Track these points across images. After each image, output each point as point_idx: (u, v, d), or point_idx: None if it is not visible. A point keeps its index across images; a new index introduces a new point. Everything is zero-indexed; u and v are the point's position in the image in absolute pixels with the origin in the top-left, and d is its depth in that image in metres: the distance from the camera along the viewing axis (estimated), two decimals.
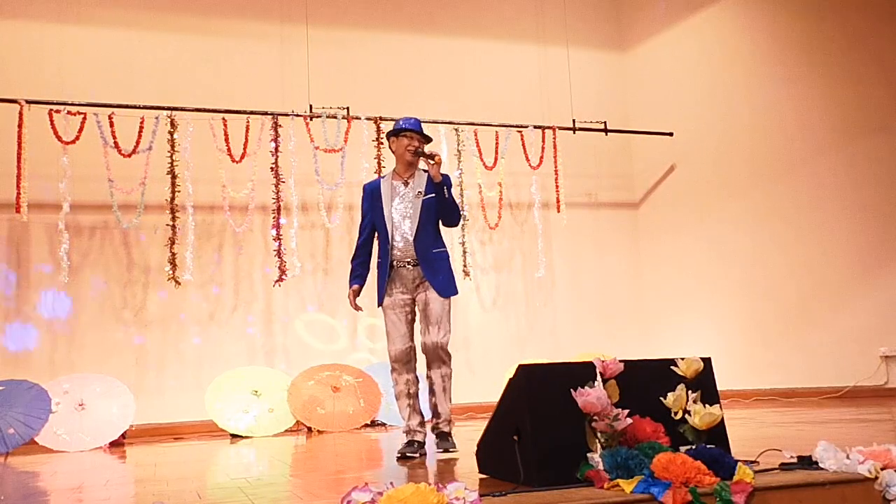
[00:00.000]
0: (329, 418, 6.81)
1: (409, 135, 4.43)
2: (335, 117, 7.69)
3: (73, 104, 6.97)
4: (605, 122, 8.80)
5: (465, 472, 3.09)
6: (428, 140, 4.53)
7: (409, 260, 4.33)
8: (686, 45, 8.88)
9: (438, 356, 4.37)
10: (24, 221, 6.91)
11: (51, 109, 6.88)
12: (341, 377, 7.17)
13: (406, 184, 4.42)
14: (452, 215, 4.40)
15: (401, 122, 4.49)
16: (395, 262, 4.34)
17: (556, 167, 8.46)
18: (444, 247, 4.46)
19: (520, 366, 2.76)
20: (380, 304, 4.42)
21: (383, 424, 7.09)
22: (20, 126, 6.77)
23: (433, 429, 4.46)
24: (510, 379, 2.80)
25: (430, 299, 4.32)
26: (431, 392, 4.45)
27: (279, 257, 7.36)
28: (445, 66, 8.77)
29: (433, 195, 4.34)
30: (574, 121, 8.68)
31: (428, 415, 4.46)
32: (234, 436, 6.66)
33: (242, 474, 3.91)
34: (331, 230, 7.93)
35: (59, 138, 6.85)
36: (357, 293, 4.51)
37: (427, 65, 8.70)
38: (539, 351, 8.36)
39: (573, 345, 8.47)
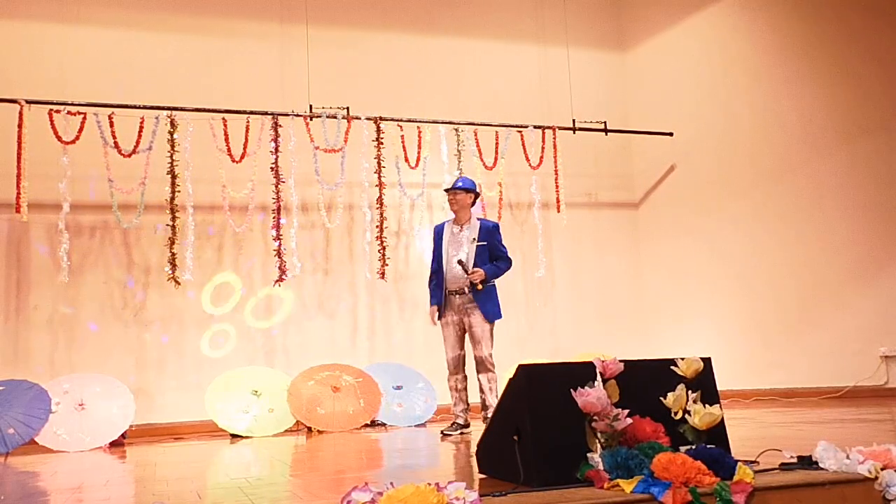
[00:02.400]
0: (329, 418, 6.81)
1: (449, 194, 5.79)
2: (335, 117, 7.69)
3: (73, 104, 6.97)
4: (605, 122, 8.81)
5: (466, 473, 3.09)
6: (465, 190, 5.79)
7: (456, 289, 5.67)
8: (686, 45, 8.88)
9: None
10: (24, 221, 6.91)
11: (51, 109, 6.88)
12: (341, 377, 7.17)
13: (461, 230, 5.76)
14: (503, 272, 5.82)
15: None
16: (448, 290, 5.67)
17: (556, 167, 8.46)
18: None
19: (520, 366, 2.76)
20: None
21: (383, 424, 7.09)
22: (20, 126, 6.77)
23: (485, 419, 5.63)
24: (510, 379, 2.80)
25: (475, 323, 5.64)
26: (482, 390, 5.73)
27: (279, 257, 7.36)
28: (445, 66, 8.77)
29: (484, 242, 5.68)
30: (574, 121, 8.68)
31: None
32: (234, 436, 6.66)
33: (242, 474, 3.91)
34: (331, 230, 7.93)
35: (59, 138, 6.85)
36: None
37: (427, 65, 8.70)
38: (539, 351, 8.36)
39: (573, 345, 8.47)
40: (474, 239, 5.62)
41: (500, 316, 5.73)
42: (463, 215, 5.73)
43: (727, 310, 8.26)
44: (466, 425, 5.74)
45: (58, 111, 6.90)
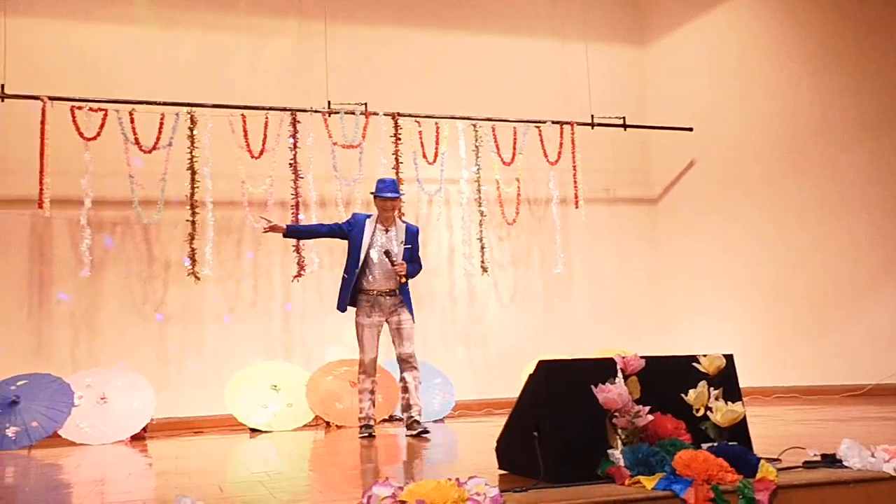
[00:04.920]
0: (347, 413, 6.83)
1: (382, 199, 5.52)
2: (353, 113, 7.71)
3: (94, 101, 7.02)
4: (623, 118, 8.76)
5: (485, 468, 3.08)
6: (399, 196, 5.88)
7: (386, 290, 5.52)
8: (706, 39, 8.81)
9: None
10: (47, 217, 6.99)
11: (73, 106, 6.95)
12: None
13: (386, 231, 5.55)
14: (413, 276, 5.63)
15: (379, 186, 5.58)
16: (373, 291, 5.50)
17: (574, 163, 8.43)
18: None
19: (540, 362, 2.76)
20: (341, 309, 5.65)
21: (401, 420, 7.09)
22: (43, 122, 6.84)
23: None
24: (530, 375, 2.79)
25: (403, 321, 5.56)
26: (405, 390, 5.67)
27: (297, 253, 7.39)
28: (463, 61, 8.76)
29: (409, 245, 5.55)
30: (592, 116, 8.65)
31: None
32: (253, 430, 6.70)
33: (262, 468, 3.93)
34: None
35: (80, 135, 6.92)
36: (276, 228, 5.57)
37: (445, 60, 8.69)
38: (557, 347, 8.34)
39: (591, 341, 8.44)
40: (402, 241, 5.53)
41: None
42: (391, 220, 5.59)
43: (747, 306, 8.20)
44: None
45: (80, 108, 6.96)
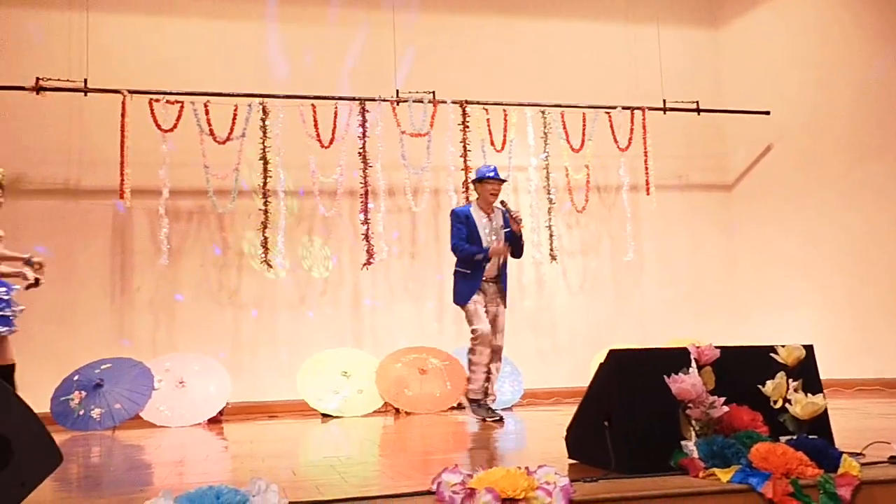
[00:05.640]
0: (416, 400, 6.89)
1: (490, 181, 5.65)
2: (421, 101, 7.73)
3: (171, 94, 7.23)
4: (696, 102, 8.54)
5: (555, 457, 3.07)
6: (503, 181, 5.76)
7: (492, 278, 5.66)
8: (783, 18, 8.50)
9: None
10: (128, 207, 7.24)
11: (151, 99, 7.17)
12: (428, 360, 7.23)
13: (488, 217, 5.67)
14: (521, 251, 5.76)
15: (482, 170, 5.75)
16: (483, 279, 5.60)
17: (645, 149, 8.28)
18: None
19: (611, 351, 2.72)
20: (462, 303, 5.66)
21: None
22: (123, 116, 7.08)
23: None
24: (601, 364, 2.76)
25: (500, 312, 5.71)
26: (487, 379, 5.71)
27: (367, 241, 7.47)
28: (531, 47, 8.67)
29: (508, 229, 5.62)
30: (664, 101, 8.46)
31: None
32: (324, 415, 6.82)
33: (334, 453, 4.00)
34: (417, 214, 7.99)
35: (158, 127, 7.14)
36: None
37: (513, 47, 8.62)
38: (627, 336, 8.23)
39: (662, 331, 8.29)
40: (501, 226, 5.66)
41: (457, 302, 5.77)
42: (493, 202, 5.72)
43: (827, 295, 7.91)
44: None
45: (157, 101, 7.18)
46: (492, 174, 5.66)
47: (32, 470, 2.41)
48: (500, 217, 5.69)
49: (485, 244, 5.57)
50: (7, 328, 4.96)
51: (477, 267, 5.60)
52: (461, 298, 5.65)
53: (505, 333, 5.73)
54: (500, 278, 5.70)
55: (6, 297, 4.96)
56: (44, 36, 7.54)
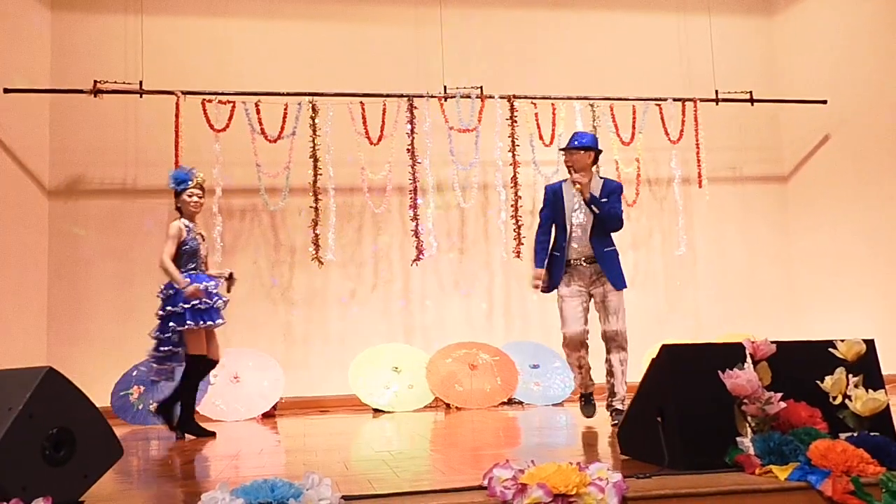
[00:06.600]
0: (466, 395, 6.90)
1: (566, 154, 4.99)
2: (469, 97, 7.72)
3: (223, 94, 7.36)
4: (750, 92, 8.35)
5: (607, 453, 3.04)
6: (588, 149, 4.94)
7: (585, 257, 4.83)
8: (839, 4, 8.25)
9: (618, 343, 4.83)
10: None
11: (203, 99, 7.30)
12: (478, 355, 7.24)
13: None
14: (608, 224, 4.85)
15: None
16: (572, 259, 4.84)
17: (697, 140, 8.13)
18: (614, 245, 4.90)
19: (664, 346, 2.69)
20: (552, 289, 4.91)
21: (520, 403, 7.11)
22: (177, 116, 7.23)
23: (608, 406, 4.78)
24: (653, 359, 2.73)
25: (608, 291, 4.80)
26: (610, 374, 4.81)
27: (416, 237, 7.50)
28: (579, 40, 8.58)
29: (605, 200, 4.82)
30: (717, 91, 8.29)
31: None
32: (376, 410, 6.88)
33: (385, 448, 4.03)
34: (466, 210, 7.99)
35: (211, 126, 7.27)
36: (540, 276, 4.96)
37: (561, 40, 8.55)
38: (679, 331, 8.10)
39: (716, 325, 8.15)
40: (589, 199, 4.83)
41: (626, 285, 4.91)
42: (585, 176, 4.90)
43: (888, 289, 7.66)
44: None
45: (210, 101, 7.31)
46: (567, 145, 4.98)
47: (95, 462, 2.49)
48: (599, 188, 4.88)
49: (568, 224, 4.85)
50: (221, 320, 5.18)
51: (552, 243, 4.92)
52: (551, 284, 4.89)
53: (620, 315, 4.82)
54: (596, 258, 4.81)
55: (215, 291, 5.16)
56: (100, 40, 7.74)
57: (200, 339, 5.10)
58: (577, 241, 4.82)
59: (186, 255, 5.15)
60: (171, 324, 4.99)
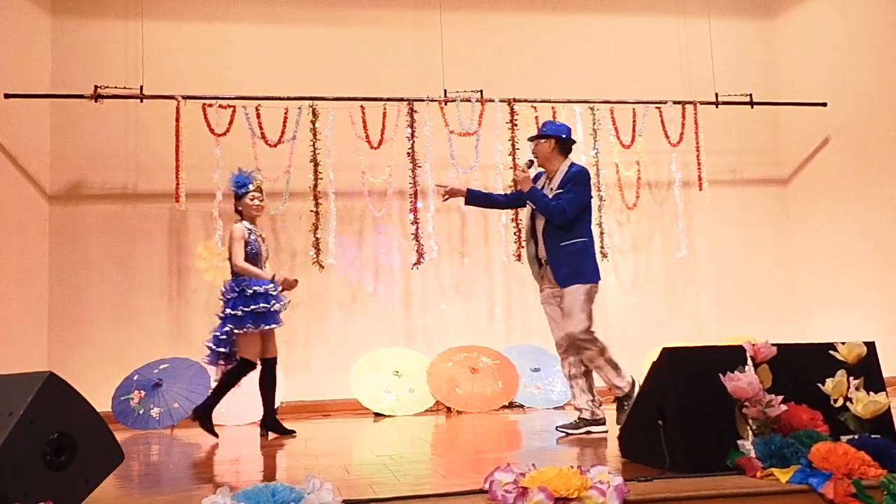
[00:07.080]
0: (467, 399, 6.89)
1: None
2: (469, 101, 7.73)
3: (223, 98, 7.37)
4: (750, 95, 8.36)
5: (608, 456, 3.04)
6: (547, 137, 4.72)
7: (545, 257, 4.63)
8: (839, 6, 8.26)
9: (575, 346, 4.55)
10: (183, 210, 7.40)
11: (204, 104, 7.31)
12: (479, 359, 7.24)
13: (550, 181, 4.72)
14: (548, 218, 4.57)
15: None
16: (543, 259, 4.64)
17: (697, 143, 8.14)
18: (575, 238, 4.56)
19: (664, 348, 2.69)
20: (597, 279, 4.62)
21: (521, 406, 7.10)
22: (177, 120, 7.24)
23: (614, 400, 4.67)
24: (654, 362, 2.73)
25: (560, 291, 4.56)
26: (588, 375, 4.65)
27: (416, 241, 7.50)
28: (580, 43, 8.59)
29: (560, 191, 4.58)
30: (717, 94, 8.30)
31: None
32: (377, 414, 6.87)
33: (386, 452, 4.03)
34: (466, 213, 7.99)
35: (211, 131, 7.28)
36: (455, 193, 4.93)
37: (560, 44, 8.56)
38: (680, 334, 8.10)
39: (717, 328, 8.14)
40: (553, 188, 4.63)
41: (584, 279, 4.50)
42: (550, 167, 4.69)
43: (888, 292, 7.67)
44: (597, 421, 4.56)
45: (210, 105, 7.32)
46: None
47: (96, 467, 2.49)
48: (561, 177, 4.66)
49: (537, 218, 4.70)
50: (278, 324, 5.20)
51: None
52: (596, 275, 4.61)
53: (574, 315, 4.50)
54: (550, 255, 4.60)
55: (274, 293, 5.19)
56: (101, 44, 7.76)
57: (255, 343, 5.13)
58: (542, 239, 4.60)
59: (249, 258, 5.19)
60: (228, 326, 5.01)
